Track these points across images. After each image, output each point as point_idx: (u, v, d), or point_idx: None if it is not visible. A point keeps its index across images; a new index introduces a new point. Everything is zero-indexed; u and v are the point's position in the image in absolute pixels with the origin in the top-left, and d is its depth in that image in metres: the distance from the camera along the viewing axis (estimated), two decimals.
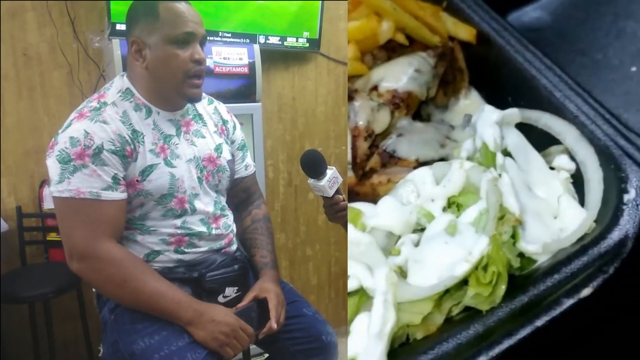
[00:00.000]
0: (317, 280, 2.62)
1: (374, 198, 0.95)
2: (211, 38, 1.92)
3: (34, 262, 1.96)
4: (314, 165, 1.13)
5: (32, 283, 1.74)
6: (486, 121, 0.95)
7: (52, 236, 1.94)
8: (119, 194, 1.07)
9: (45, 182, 1.93)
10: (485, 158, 0.92)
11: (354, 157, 0.95)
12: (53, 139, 1.08)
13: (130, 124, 1.10)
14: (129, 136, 1.09)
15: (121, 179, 1.08)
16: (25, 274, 1.83)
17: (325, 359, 1.23)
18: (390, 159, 0.97)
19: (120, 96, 1.13)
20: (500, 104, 1.00)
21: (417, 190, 0.92)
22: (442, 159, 0.97)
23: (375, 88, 1.01)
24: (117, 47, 1.71)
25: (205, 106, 1.27)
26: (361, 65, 1.07)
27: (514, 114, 0.98)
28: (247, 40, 2.06)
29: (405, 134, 0.99)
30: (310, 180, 1.14)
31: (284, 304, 1.19)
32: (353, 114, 0.96)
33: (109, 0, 1.75)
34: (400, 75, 1.02)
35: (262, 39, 2.11)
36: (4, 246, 1.85)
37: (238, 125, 1.34)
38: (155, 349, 1.04)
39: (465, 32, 1.11)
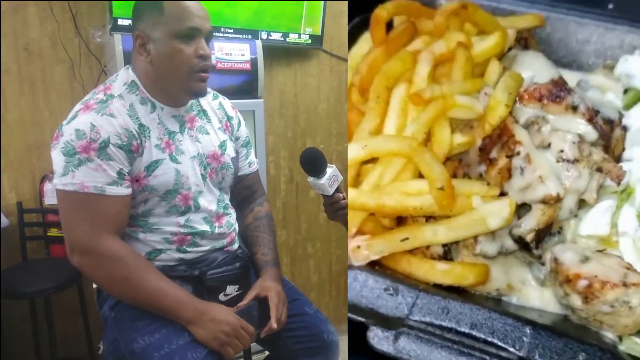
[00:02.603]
0: (318, 278, 2.62)
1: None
2: (213, 34, 1.91)
3: (34, 258, 1.96)
4: (313, 163, 1.13)
5: (33, 279, 1.73)
6: (638, 61, 1.13)
7: (53, 232, 1.94)
8: (124, 190, 1.07)
9: (46, 177, 1.92)
10: None
11: (606, 137, 1.04)
12: (57, 130, 1.07)
13: (137, 117, 1.09)
14: (136, 130, 1.08)
15: (126, 174, 1.07)
16: (26, 270, 1.83)
17: (326, 358, 1.22)
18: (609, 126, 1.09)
19: (126, 89, 1.12)
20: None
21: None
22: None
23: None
24: (118, 42, 1.70)
25: (210, 101, 1.26)
26: (518, 75, 1.09)
27: None
28: (249, 36, 2.05)
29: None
30: (310, 179, 1.14)
31: (286, 303, 1.19)
32: (582, 103, 1.03)
33: None
34: (543, 66, 1.12)
35: (264, 35, 2.10)
36: (4, 242, 1.85)
37: (243, 122, 1.33)
38: (156, 347, 1.04)
39: (529, 20, 1.21)
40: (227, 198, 1.26)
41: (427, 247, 0.95)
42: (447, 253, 0.97)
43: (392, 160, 0.96)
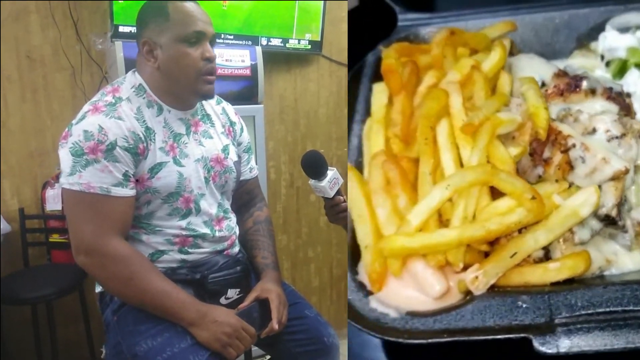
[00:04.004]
0: (319, 282, 2.62)
1: None
2: (216, 38, 1.92)
3: (36, 264, 1.96)
4: (314, 165, 1.14)
5: (35, 284, 1.74)
6: (615, 35, 1.24)
7: (54, 238, 1.94)
8: (129, 191, 1.08)
9: (48, 183, 1.93)
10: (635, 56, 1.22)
11: (626, 108, 1.13)
12: (66, 130, 1.08)
13: (144, 120, 1.11)
14: (143, 133, 1.10)
15: (131, 175, 1.09)
16: (27, 276, 1.84)
17: None
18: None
19: (134, 92, 1.14)
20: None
21: None
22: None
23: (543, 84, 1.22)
24: (119, 49, 1.72)
25: (214, 106, 1.28)
26: (533, 79, 1.17)
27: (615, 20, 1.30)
28: (249, 42, 2.07)
29: None
30: (311, 181, 1.15)
31: (286, 305, 1.20)
32: (598, 85, 1.13)
33: (112, 0, 1.75)
34: (540, 65, 1.24)
35: (264, 41, 2.12)
36: (7, 248, 1.86)
37: (245, 128, 1.35)
38: (158, 350, 1.05)
39: (502, 27, 1.30)
40: (227, 203, 1.28)
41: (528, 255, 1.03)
42: (547, 253, 1.03)
43: (470, 191, 1.01)
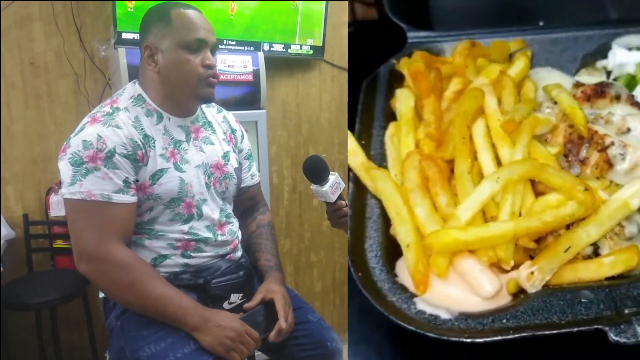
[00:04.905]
0: (322, 286, 2.62)
1: None
2: (218, 46, 1.93)
3: (40, 270, 1.97)
4: (316, 170, 1.14)
5: (39, 290, 1.75)
6: (624, 52, 1.32)
7: (58, 243, 1.95)
8: (130, 197, 1.09)
9: (52, 189, 1.94)
10: None
11: None
12: (65, 143, 1.09)
13: (142, 128, 1.12)
14: (141, 141, 1.10)
15: (132, 182, 1.09)
16: (31, 281, 1.84)
17: None
18: None
19: (132, 102, 1.15)
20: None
21: None
22: None
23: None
24: (122, 55, 1.73)
25: (215, 114, 1.29)
26: (560, 85, 1.20)
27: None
28: (252, 48, 2.08)
29: None
30: (313, 186, 1.15)
31: (291, 306, 1.20)
32: (622, 91, 1.19)
33: (115, 2, 1.77)
34: (559, 77, 1.30)
35: (266, 46, 2.13)
36: (11, 253, 1.86)
37: (245, 135, 1.36)
38: (162, 355, 1.05)
39: (515, 45, 1.38)
40: (229, 208, 1.28)
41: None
42: (595, 250, 1.02)
43: (516, 187, 1.00)
